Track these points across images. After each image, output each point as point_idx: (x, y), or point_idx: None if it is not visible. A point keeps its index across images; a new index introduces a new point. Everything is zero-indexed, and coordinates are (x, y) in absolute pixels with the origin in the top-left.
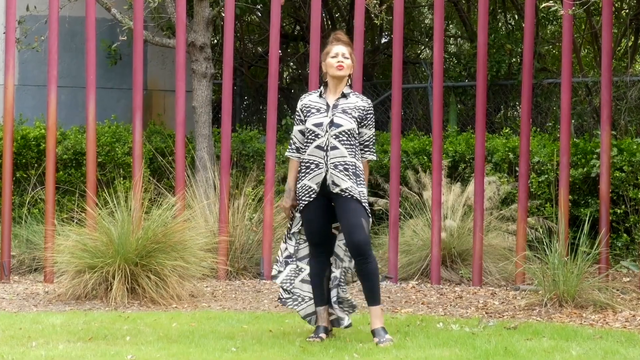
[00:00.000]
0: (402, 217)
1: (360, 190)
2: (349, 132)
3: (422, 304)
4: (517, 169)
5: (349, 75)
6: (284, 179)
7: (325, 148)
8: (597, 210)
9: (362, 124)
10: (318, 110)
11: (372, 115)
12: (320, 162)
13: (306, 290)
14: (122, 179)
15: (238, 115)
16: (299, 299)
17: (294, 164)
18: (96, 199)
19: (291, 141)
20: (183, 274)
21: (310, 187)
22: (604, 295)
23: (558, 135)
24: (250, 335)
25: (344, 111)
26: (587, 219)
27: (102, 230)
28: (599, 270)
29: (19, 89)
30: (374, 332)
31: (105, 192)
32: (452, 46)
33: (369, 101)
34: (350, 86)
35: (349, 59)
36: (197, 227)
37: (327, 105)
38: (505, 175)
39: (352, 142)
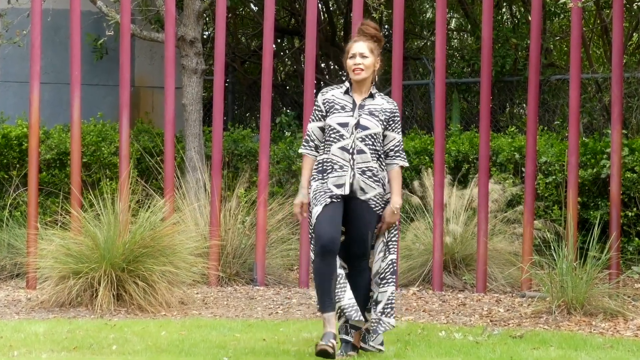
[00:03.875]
0: (403, 220)
1: (387, 198)
2: (375, 136)
3: (423, 311)
4: (523, 169)
5: (374, 72)
6: (278, 181)
7: (351, 151)
8: (607, 213)
9: (388, 127)
10: (343, 108)
11: (398, 119)
12: (344, 165)
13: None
14: (108, 180)
15: (230, 114)
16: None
17: (309, 161)
18: (81, 201)
19: (307, 137)
20: (172, 279)
21: (330, 190)
22: (614, 302)
23: (566, 134)
24: (243, 344)
25: (370, 113)
26: (597, 222)
27: (87, 234)
28: (609, 276)
29: (0, 85)
30: (342, 343)
31: (90, 194)
32: (455, 40)
33: (395, 103)
34: (376, 85)
35: (369, 57)
36: (187, 230)
37: (354, 103)
38: (511, 176)
39: (377, 147)
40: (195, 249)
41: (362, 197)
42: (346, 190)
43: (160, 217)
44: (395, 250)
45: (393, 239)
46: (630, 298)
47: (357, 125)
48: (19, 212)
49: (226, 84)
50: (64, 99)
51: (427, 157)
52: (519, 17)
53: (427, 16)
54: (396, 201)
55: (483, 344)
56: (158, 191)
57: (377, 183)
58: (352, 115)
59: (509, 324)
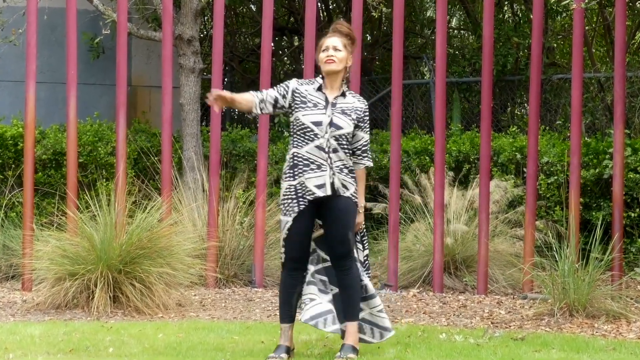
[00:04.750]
0: (403, 221)
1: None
2: (347, 136)
3: (423, 313)
4: (524, 170)
5: (346, 70)
6: (276, 181)
7: (327, 150)
8: (609, 213)
9: (358, 126)
10: (315, 105)
11: (367, 118)
12: (323, 165)
13: (309, 292)
14: (104, 180)
15: (228, 113)
16: (302, 304)
17: (249, 95)
18: (77, 202)
19: (259, 92)
20: (170, 281)
21: (307, 189)
22: (617, 304)
23: (568, 134)
24: (241, 346)
25: (343, 111)
26: (599, 223)
27: (83, 235)
28: (611, 277)
29: None
30: (342, 347)
31: (86, 195)
32: (456, 39)
33: (365, 102)
34: (348, 83)
35: (343, 52)
36: (184, 231)
37: (327, 100)
38: (512, 176)
39: (347, 147)
40: (193, 250)
41: (346, 194)
42: (328, 191)
43: (158, 218)
44: (368, 247)
45: (364, 239)
46: (633, 300)
47: (331, 124)
48: (15, 213)
49: (224, 83)
50: (60, 99)
51: (427, 157)
52: (520, 15)
53: (428, 14)
54: (360, 201)
55: (484, 347)
56: (155, 192)
57: (354, 179)
58: (325, 114)
59: (510, 326)
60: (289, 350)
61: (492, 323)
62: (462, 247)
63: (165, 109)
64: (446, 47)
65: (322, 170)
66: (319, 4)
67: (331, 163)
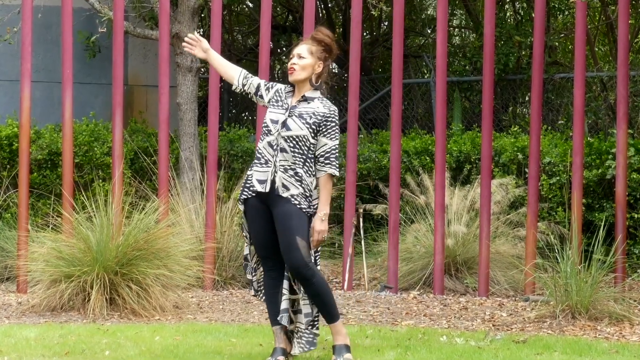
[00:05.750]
0: (403, 222)
1: (309, 204)
2: (298, 139)
3: (424, 315)
4: (526, 170)
5: (318, 76)
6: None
7: (275, 147)
8: (612, 214)
9: (319, 131)
10: (282, 106)
11: (333, 124)
12: (269, 161)
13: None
14: (101, 180)
15: (226, 113)
16: (296, 335)
17: (236, 68)
18: (73, 203)
19: (249, 76)
20: (166, 283)
21: (250, 182)
22: (620, 306)
23: (571, 134)
24: (239, 349)
25: (300, 115)
26: (602, 224)
27: (79, 237)
28: (614, 279)
29: None
30: (334, 349)
31: (82, 195)
32: (457, 38)
33: (334, 109)
34: (323, 88)
35: (308, 59)
36: (182, 232)
37: (288, 105)
38: (514, 177)
39: (302, 152)
40: (190, 251)
41: (284, 195)
42: (267, 187)
43: (155, 219)
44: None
45: (316, 254)
46: (636, 302)
47: (283, 124)
48: (10, 214)
49: (222, 83)
50: (56, 98)
51: (428, 158)
52: (522, 14)
53: (428, 13)
54: (322, 209)
55: (485, 349)
56: (152, 192)
57: (299, 184)
58: (283, 114)
59: (511, 328)
60: (285, 353)
61: (493, 325)
62: (463, 248)
63: (162, 109)
64: (447, 46)
65: (267, 167)
66: (317, 2)
67: (276, 161)
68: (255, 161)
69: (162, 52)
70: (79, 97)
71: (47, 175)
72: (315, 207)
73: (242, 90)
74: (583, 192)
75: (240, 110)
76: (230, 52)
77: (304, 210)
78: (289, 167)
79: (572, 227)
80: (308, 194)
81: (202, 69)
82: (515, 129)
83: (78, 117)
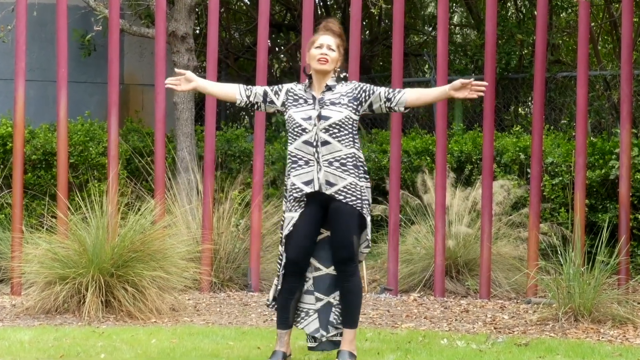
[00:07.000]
0: (403, 223)
1: (361, 187)
2: (340, 123)
3: (424, 318)
4: (528, 170)
5: (334, 71)
6: (273, 182)
7: (315, 144)
8: (616, 215)
9: (360, 99)
10: (305, 101)
11: (366, 85)
12: (310, 160)
13: (308, 302)
14: (96, 181)
15: (223, 112)
16: (302, 314)
17: (229, 85)
18: (68, 204)
19: (250, 87)
20: (163, 285)
21: (298, 188)
22: (623, 309)
23: (573, 133)
24: (237, 352)
25: (332, 103)
26: (606, 225)
27: (74, 238)
28: (618, 281)
29: None
30: (338, 353)
31: (77, 196)
32: (458, 36)
33: (354, 81)
34: (338, 77)
35: (336, 52)
36: (178, 234)
37: (314, 97)
38: (516, 177)
39: (346, 132)
40: (187, 253)
41: (330, 192)
42: (315, 186)
43: (151, 220)
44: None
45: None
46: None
47: (320, 117)
48: (4, 215)
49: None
50: (50, 97)
51: (428, 158)
52: (524, 11)
53: (429, 10)
54: (446, 88)
55: (487, 353)
56: (148, 193)
57: (347, 171)
58: (314, 108)
59: (513, 331)
60: (285, 356)
61: (495, 328)
62: (464, 249)
63: (158, 108)
64: (448, 44)
65: (309, 166)
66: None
67: (319, 158)
68: (293, 165)
69: (159, 50)
70: (74, 96)
71: (41, 175)
72: (364, 189)
73: (247, 102)
74: (586, 192)
75: (238, 109)
76: (227, 50)
77: (356, 207)
78: (333, 160)
79: (574, 229)
80: (359, 173)
81: (199, 69)
82: (517, 128)
83: (73, 117)
